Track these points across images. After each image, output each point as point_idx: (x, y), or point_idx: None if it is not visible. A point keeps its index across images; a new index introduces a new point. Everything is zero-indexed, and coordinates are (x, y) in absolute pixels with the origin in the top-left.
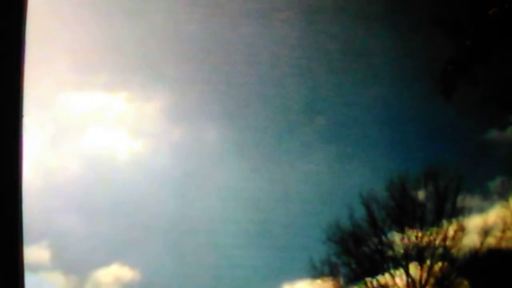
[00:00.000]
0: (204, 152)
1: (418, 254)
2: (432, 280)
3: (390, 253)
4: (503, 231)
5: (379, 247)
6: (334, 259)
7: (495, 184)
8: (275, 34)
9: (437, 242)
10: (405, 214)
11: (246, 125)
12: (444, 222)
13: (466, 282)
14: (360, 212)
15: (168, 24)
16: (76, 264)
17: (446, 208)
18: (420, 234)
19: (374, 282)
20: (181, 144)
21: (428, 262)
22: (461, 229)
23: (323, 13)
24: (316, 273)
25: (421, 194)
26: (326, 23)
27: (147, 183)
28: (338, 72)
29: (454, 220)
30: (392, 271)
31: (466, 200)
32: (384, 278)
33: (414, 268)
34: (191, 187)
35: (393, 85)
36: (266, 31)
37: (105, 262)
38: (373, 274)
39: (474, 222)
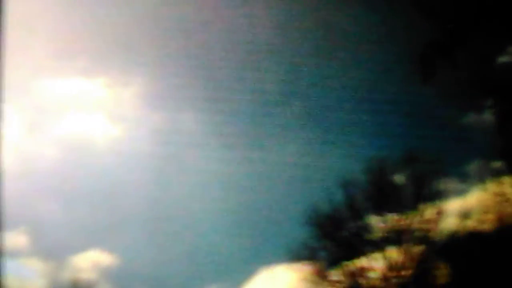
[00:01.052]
0: (183, 136)
1: (397, 237)
2: (411, 263)
3: (369, 236)
4: (482, 214)
5: (358, 230)
6: (312, 242)
7: (473, 167)
8: (255, 17)
9: (416, 225)
10: (384, 197)
11: (225, 109)
12: (423, 206)
13: (445, 265)
14: (339, 196)
15: (147, 9)
16: (54, 250)
17: (425, 192)
18: (399, 218)
19: (353, 266)
20: (159, 129)
21: (407, 245)
22: (440, 212)
23: None
24: (294, 257)
25: (400, 178)
26: (306, 6)
27: (126, 169)
28: (318, 55)
29: (432, 204)
30: (371, 254)
31: (444, 183)
32: (363, 262)
33: (393, 252)
34: (170, 172)
35: (373, 69)
36: (246, 14)
37: (84, 248)
38: (352, 258)
39: (452, 205)
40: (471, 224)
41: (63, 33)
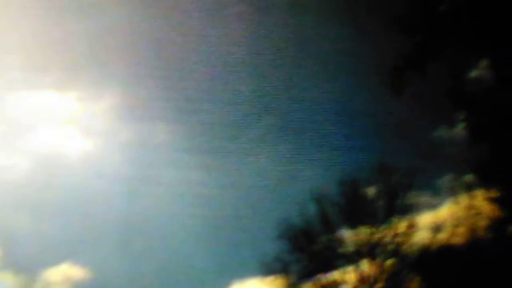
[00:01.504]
0: (155, 149)
1: (370, 250)
2: (383, 277)
3: (341, 249)
4: (454, 227)
5: (331, 244)
6: (285, 256)
7: (445, 181)
8: (226, 30)
9: (388, 238)
10: (356, 211)
11: (196, 123)
12: (395, 219)
13: (417, 278)
14: (311, 209)
15: (118, 22)
16: (26, 263)
17: (397, 205)
18: (371, 231)
19: (326, 279)
20: (131, 142)
21: (379, 258)
22: (412, 225)
23: (275, 8)
24: (267, 270)
25: (372, 191)
26: (277, 19)
27: (97, 182)
28: (289, 69)
29: (405, 217)
30: (343, 267)
31: (416, 197)
32: (336, 275)
33: (365, 265)
34: (141, 186)
35: (344, 83)
36: (217, 28)
37: (56, 261)
38: (324, 271)
39: (424, 219)
40: (443, 237)
41: (34, 47)
